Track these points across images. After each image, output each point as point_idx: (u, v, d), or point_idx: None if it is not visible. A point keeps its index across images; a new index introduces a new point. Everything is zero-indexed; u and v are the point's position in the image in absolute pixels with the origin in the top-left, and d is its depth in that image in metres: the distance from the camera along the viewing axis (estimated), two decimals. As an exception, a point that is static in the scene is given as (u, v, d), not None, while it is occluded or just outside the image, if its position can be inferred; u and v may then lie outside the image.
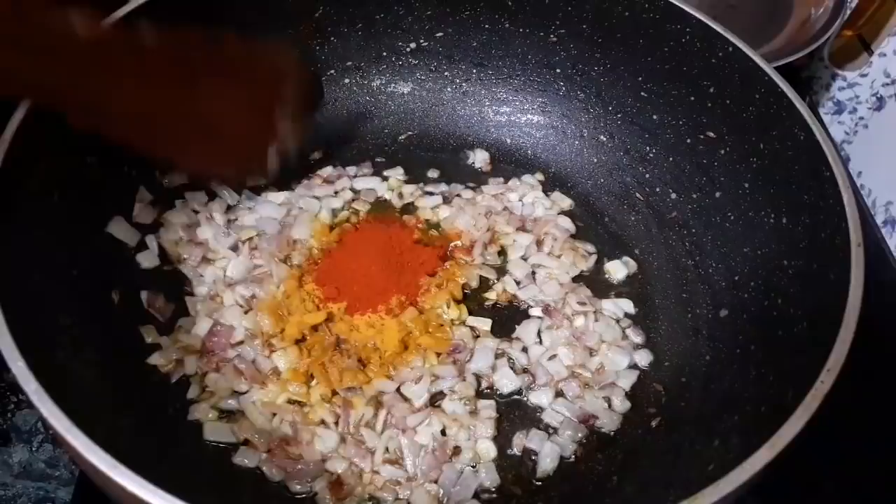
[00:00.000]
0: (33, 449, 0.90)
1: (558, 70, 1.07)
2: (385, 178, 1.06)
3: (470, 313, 0.92)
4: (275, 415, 0.81)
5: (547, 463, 0.82)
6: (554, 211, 1.05)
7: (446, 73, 1.11)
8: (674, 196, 1.01)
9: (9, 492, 0.87)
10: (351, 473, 0.79)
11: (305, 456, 0.79)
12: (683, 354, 0.90)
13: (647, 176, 1.03)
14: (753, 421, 0.72)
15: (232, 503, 0.75)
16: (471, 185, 1.07)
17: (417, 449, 0.80)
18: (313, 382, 0.84)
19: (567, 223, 1.03)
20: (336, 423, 0.81)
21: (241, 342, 0.86)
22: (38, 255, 0.73)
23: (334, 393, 0.83)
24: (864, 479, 0.91)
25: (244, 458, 0.78)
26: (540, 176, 1.09)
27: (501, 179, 1.08)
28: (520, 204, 1.05)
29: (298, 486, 0.77)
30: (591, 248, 1.01)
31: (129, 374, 0.80)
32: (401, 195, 1.05)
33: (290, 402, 0.83)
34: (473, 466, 0.81)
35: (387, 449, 0.80)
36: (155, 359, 0.83)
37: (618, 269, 0.99)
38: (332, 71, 1.08)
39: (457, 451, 0.82)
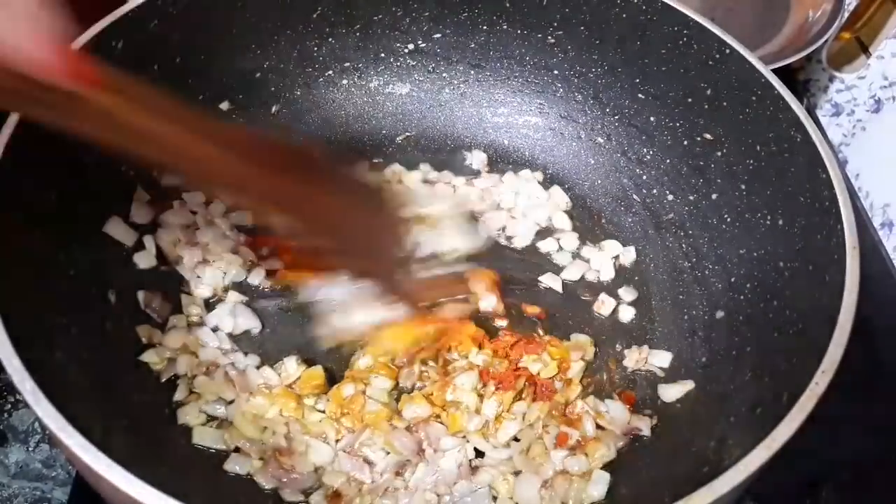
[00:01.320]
0: (30, 449, 0.90)
1: (556, 72, 1.07)
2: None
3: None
4: (265, 428, 0.81)
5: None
6: (552, 203, 1.05)
7: (444, 75, 1.11)
8: (671, 198, 1.01)
9: (5, 492, 0.87)
10: (349, 486, 0.78)
11: (298, 467, 0.78)
12: (679, 356, 0.90)
13: (644, 177, 1.04)
14: (749, 422, 0.72)
15: (227, 505, 0.76)
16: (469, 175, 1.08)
17: (435, 469, 0.79)
18: (311, 401, 0.83)
19: (564, 222, 1.04)
20: (337, 440, 0.81)
21: (236, 350, 0.86)
22: (35, 254, 0.73)
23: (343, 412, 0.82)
24: (861, 481, 0.91)
25: (235, 466, 0.78)
26: (539, 176, 1.09)
27: (498, 176, 1.09)
28: (513, 195, 1.06)
29: (292, 497, 0.77)
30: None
31: (125, 375, 0.80)
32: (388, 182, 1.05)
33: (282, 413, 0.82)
34: (491, 486, 0.79)
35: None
36: (148, 356, 0.83)
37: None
38: (330, 72, 1.08)
39: (475, 470, 0.80)
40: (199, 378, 0.83)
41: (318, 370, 0.86)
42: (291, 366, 0.85)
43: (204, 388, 0.82)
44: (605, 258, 1.00)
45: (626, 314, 0.96)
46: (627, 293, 0.97)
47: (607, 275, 0.99)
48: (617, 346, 0.93)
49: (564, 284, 0.98)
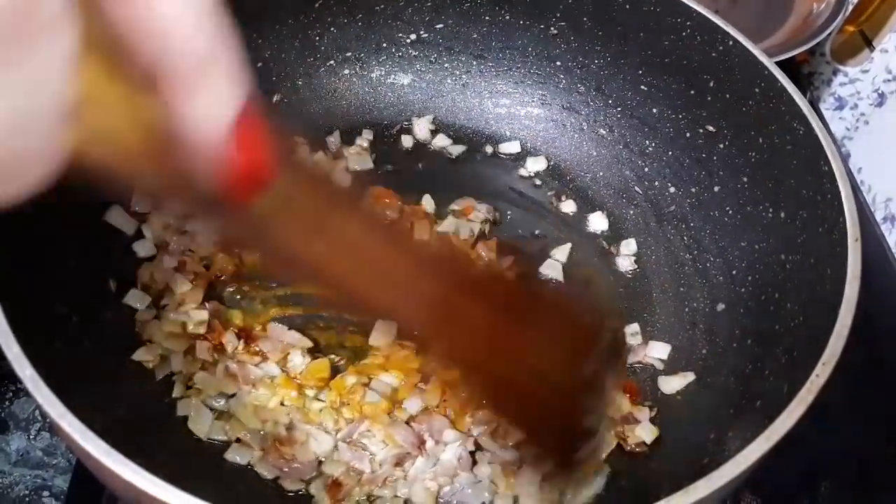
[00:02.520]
0: (31, 437, 0.90)
1: (558, 63, 1.07)
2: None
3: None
4: (265, 421, 0.80)
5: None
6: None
7: (446, 65, 1.11)
8: (672, 190, 1.00)
9: (6, 480, 0.87)
10: (349, 475, 0.78)
11: (299, 456, 0.78)
12: (680, 348, 0.90)
13: (646, 169, 1.03)
14: (749, 414, 0.72)
15: (227, 494, 0.75)
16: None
17: (434, 461, 0.79)
18: (312, 392, 0.83)
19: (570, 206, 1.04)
20: (337, 430, 0.80)
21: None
22: (36, 242, 0.73)
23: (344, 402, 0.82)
24: (861, 474, 0.91)
25: (235, 456, 0.77)
26: (542, 163, 1.09)
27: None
28: None
29: (292, 486, 0.77)
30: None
31: (125, 363, 0.80)
32: None
33: (283, 403, 0.82)
34: (492, 481, 0.78)
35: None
36: (140, 354, 0.81)
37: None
38: (332, 62, 1.08)
39: (476, 464, 0.80)
40: (199, 374, 0.82)
41: (323, 362, 0.85)
42: (297, 358, 0.85)
43: (205, 385, 0.81)
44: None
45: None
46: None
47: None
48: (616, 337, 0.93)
49: (565, 273, 0.98)
